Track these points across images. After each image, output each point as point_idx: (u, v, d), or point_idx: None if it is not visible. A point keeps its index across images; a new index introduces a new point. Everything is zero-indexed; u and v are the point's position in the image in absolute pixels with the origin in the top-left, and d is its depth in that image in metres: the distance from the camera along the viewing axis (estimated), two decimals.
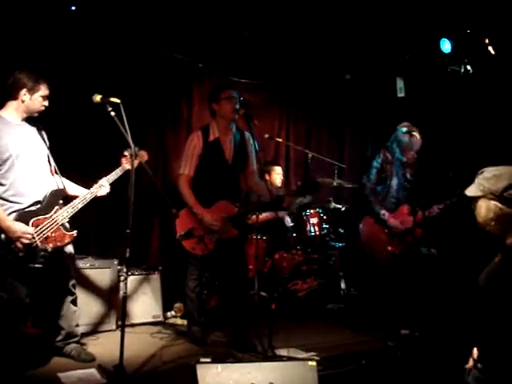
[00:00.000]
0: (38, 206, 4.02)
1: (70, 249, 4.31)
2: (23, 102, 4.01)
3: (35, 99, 4.03)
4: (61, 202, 4.15)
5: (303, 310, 5.84)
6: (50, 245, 3.98)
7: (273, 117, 7.50)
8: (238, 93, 4.86)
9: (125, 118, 3.75)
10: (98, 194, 4.25)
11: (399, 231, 5.36)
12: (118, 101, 3.84)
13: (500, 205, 2.59)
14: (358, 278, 6.09)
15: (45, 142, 4.23)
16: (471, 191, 2.71)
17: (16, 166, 3.94)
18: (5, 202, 3.90)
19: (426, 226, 5.43)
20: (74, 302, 4.41)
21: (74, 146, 5.39)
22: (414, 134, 5.36)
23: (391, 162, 5.45)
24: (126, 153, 4.24)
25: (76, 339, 4.41)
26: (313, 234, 6.25)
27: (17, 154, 3.94)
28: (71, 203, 4.13)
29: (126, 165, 4.33)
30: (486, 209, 2.64)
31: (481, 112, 6.30)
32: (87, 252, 5.51)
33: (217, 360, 3.86)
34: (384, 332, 5.12)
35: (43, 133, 4.24)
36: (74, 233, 4.15)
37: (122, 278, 3.85)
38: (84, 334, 4.90)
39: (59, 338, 4.35)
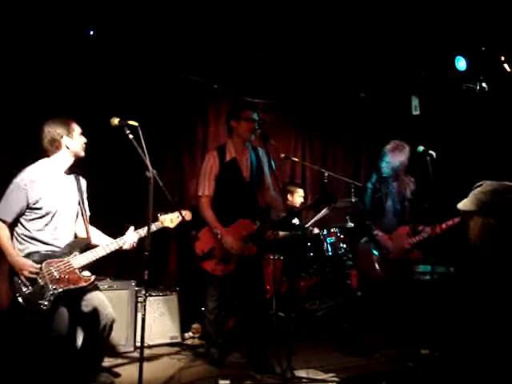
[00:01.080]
0: (59, 250, 4.08)
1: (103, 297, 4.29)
2: (68, 148, 4.10)
3: (76, 139, 4.13)
4: (84, 248, 4.18)
5: (321, 329, 5.79)
6: (61, 285, 3.98)
7: (288, 136, 7.53)
8: (257, 115, 4.88)
9: (143, 140, 3.77)
10: (124, 247, 4.25)
11: (392, 255, 5.33)
12: (135, 124, 3.87)
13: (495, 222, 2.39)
14: (375, 297, 6.04)
15: (81, 192, 4.29)
16: (465, 205, 2.56)
17: (45, 218, 4.05)
18: (24, 242, 4.02)
19: (433, 244, 5.38)
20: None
21: (93, 170, 5.42)
22: (396, 149, 5.33)
23: (385, 182, 5.43)
24: (160, 215, 4.32)
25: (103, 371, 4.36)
26: (330, 253, 6.23)
27: (48, 209, 4.04)
28: (92, 250, 4.16)
29: (162, 222, 4.35)
30: (480, 225, 2.48)
31: (496, 130, 6.26)
32: (104, 272, 5.52)
33: (236, 382, 3.84)
34: (404, 352, 5.07)
35: (81, 183, 4.33)
36: (92, 277, 4.17)
37: (141, 299, 3.85)
38: None
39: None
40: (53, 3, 4.88)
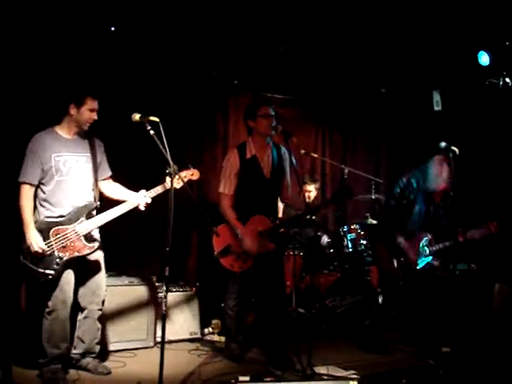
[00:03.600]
0: (66, 216, 4.22)
1: (103, 269, 4.47)
2: (72, 116, 4.25)
3: (82, 113, 4.24)
4: (92, 213, 4.32)
5: (341, 326, 5.77)
6: (67, 253, 4.16)
7: (308, 132, 7.50)
8: (273, 109, 4.86)
9: (164, 136, 3.78)
10: (140, 208, 4.36)
11: (413, 265, 5.29)
12: (156, 119, 3.89)
13: None
14: (396, 294, 6.00)
15: (95, 157, 4.40)
16: None
17: (54, 178, 4.21)
18: (41, 208, 4.23)
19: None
20: (100, 319, 4.51)
21: (114, 164, 5.46)
22: (444, 164, 5.26)
23: (415, 189, 5.37)
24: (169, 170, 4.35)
25: (93, 355, 4.49)
26: (350, 249, 6.21)
27: (57, 168, 4.22)
28: (99, 215, 4.31)
29: (168, 183, 4.36)
30: None
31: None
32: (124, 267, 5.56)
33: (256, 378, 3.83)
34: (424, 349, 5.03)
35: (97, 146, 4.46)
36: (95, 245, 4.32)
37: (162, 295, 3.87)
38: (121, 351, 4.97)
39: (77, 350, 4.45)
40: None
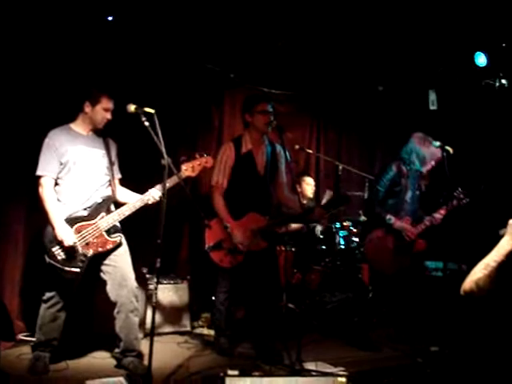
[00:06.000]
0: (86, 212, 4.21)
1: (127, 260, 4.40)
2: (87, 113, 4.27)
3: (97, 111, 4.25)
4: (111, 208, 4.34)
5: (331, 323, 5.78)
6: (91, 250, 4.15)
7: (303, 127, 7.49)
8: (272, 106, 4.84)
9: (158, 128, 3.77)
10: (149, 203, 4.32)
11: (408, 234, 5.27)
12: (152, 111, 3.88)
13: None
14: (387, 292, 6.02)
15: (110, 155, 4.41)
16: None
17: (72, 171, 4.22)
18: (57, 201, 4.18)
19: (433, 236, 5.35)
20: (135, 314, 4.37)
21: None
22: (432, 143, 5.24)
23: (406, 174, 5.35)
24: (184, 158, 4.43)
25: (134, 353, 4.34)
26: (342, 246, 6.21)
27: (74, 160, 4.22)
28: (118, 210, 4.29)
29: (184, 172, 4.39)
30: None
31: None
32: None
33: (245, 373, 3.83)
34: (413, 348, 5.05)
35: (111, 146, 4.47)
36: (117, 239, 4.29)
37: (153, 287, 3.87)
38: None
39: (117, 349, 4.38)
40: None
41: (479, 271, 2.28)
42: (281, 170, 4.96)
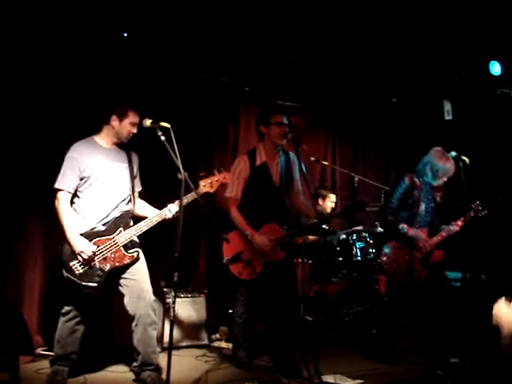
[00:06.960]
0: (104, 227, 4.22)
1: (145, 274, 4.41)
2: (113, 127, 4.30)
3: (124, 126, 4.30)
4: (129, 223, 4.36)
5: (349, 335, 5.75)
6: (108, 265, 4.16)
7: (318, 139, 7.50)
8: (287, 118, 4.85)
9: (175, 142, 3.79)
10: (167, 218, 4.35)
11: (424, 244, 5.22)
12: (167, 125, 3.91)
13: None
14: (404, 303, 5.97)
15: (132, 168, 4.44)
16: None
17: (93, 186, 4.24)
18: (76, 215, 4.22)
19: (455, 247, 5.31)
20: (153, 327, 4.37)
21: None
22: (450, 159, 5.22)
23: (419, 187, 5.31)
24: (203, 174, 4.52)
25: (152, 367, 4.32)
26: (359, 258, 6.18)
27: (96, 176, 4.24)
28: (136, 225, 4.31)
29: (203, 188, 4.48)
30: None
31: None
32: None
33: None
34: (433, 360, 5.00)
35: (134, 160, 4.50)
36: (135, 254, 4.30)
37: (170, 301, 3.87)
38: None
39: (135, 363, 4.37)
40: (92, 5, 4.95)
41: None
42: (296, 178, 4.96)
